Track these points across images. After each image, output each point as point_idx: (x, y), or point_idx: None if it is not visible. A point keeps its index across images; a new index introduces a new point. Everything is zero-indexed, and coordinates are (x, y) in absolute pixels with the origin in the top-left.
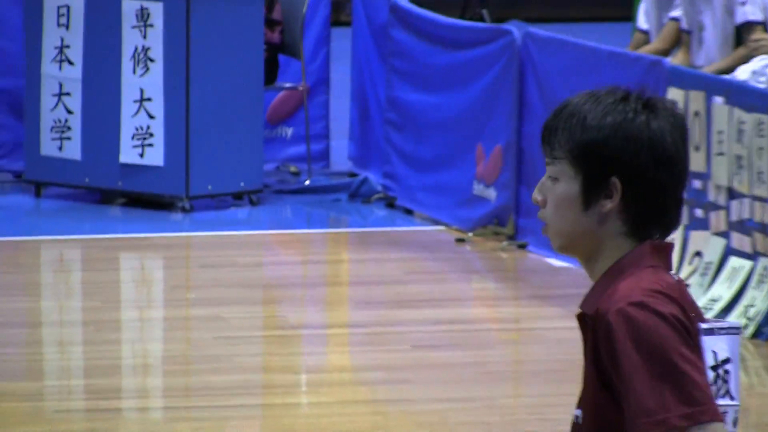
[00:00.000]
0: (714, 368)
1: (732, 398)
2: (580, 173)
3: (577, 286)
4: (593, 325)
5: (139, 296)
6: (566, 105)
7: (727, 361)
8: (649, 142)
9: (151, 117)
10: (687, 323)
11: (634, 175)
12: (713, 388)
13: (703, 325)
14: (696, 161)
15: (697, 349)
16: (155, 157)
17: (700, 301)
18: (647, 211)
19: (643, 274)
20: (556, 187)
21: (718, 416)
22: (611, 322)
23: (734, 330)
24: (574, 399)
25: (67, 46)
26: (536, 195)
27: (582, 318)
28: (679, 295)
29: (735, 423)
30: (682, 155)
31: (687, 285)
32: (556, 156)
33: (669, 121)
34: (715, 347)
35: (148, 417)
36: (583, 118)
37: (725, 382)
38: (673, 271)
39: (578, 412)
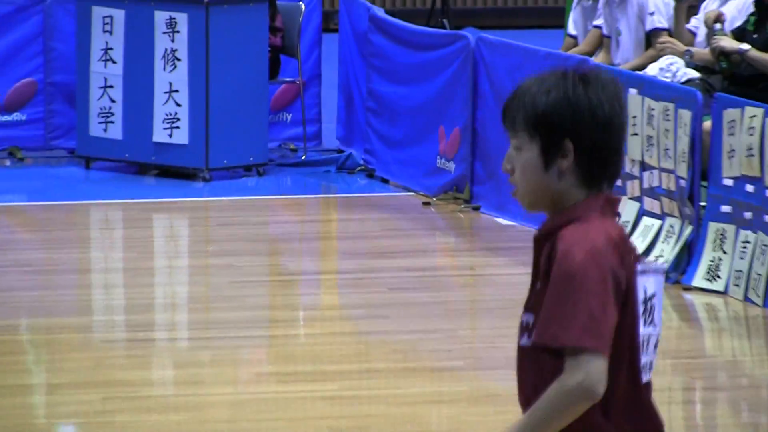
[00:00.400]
0: (644, 302)
1: (655, 326)
2: (537, 140)
3: (521, 240)
4: (544, 243)
5: (168, 248)
6: (519, 87)
7: (654, 295)
8: (588, 108)
9: (177, 105)
10: (618, 271)
11: (581, 137)
12: (643, 318)
13: (639, 267)
14: None
15: (618, 295)
16: (181, 137)
17: None
18: (595, 165)
19: (592, 220)
20: (520, 155)
21: (604, 351)
22: (571, 256)
23: (660, 271)
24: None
25: (111, 49)
26: (506, 165)
27: (537, 239)
28: (621, 240)
29: (656, 346)
30: (619, 118)
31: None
32: (516, 129)
33: (605, 91)
34: (646, 284)
35: (175, 346)
36: (533, 96)
37: (651, 313)
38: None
39: (528, 317)
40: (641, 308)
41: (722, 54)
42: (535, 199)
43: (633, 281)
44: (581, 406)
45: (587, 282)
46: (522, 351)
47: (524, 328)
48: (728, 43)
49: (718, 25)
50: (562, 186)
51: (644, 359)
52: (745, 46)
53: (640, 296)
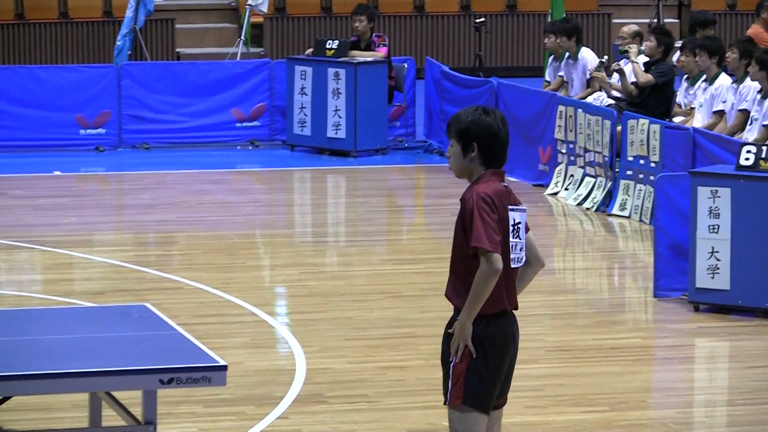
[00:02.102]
0: (513, 225)
1: (520, 239)
2: (460, 142)
3: (518, 188)
4: (464, 201)
5: (334, 192)
6: (455, 114)
7: (519, 222)
8: (487, 127)
9: (339, 117)
10: (497, 204)
11: (482, 141)
12: (513, 233)
13: (510, 207)
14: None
15: (500, 218)
16: (341, 133)
17: (572, 198)
18: (490, 156)
19: (487, 182)
20: (452, 150)
21: (497, 250)
22: (471, 198)
23: (522, 210)
24: None
25: (304, 88)
26: (447, 154)
27: (462, 198)
28: (500, 192)
29: (521, 249)
30: (504, 133)
31: (509, 190)
32: (451, 136)
33: (496, 118)
34: (514, 216)
35: (337, 243)
36: (459, 119)
37: (518, 231)
38: (504, 183)
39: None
40: (511, 228)
41: (615, 70)
42: (459, 173)
43: (506, 214)
44: (492, 279)
45: (480, 213)
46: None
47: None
48: (617, 65)
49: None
50: (473, 167)
51: (512, 255)
52: (627, 63)
53: (511, 222)
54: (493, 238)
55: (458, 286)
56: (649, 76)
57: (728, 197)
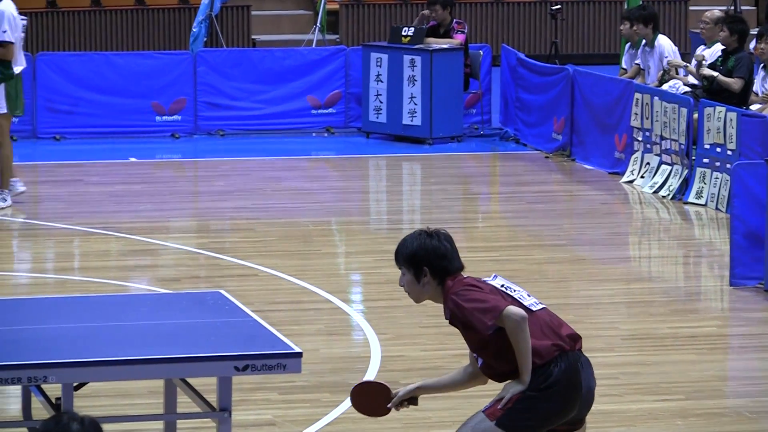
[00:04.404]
0: (501, 287)
1: (517, 290)
2: (411, 270)
3: (595, 176)
4: (452, 315)
5: (409, 179)
6: (402, 241)
7: (503, 284)
8: (433, 249)
9: (415, 104)
10: (477, 284)
11: (431, 263)
12: (508, 292)
13: (492, 279)
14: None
15: (492, 291)
16: (417, 121)
17: (648, 186)
18: (441, 274)
19: (454, 284)
20: (405, 278)
21: (504, 306)
22: (454, 307)
23: (495, 276)
24: None
25: (379, 75)
26: (400, 283)
27: (450, 320)
28: (475, 280)
29: (529, 295)
30: (449, 250)
31: (479, 278)
32: (401, 265)
33: (442, 238)
34: (495, 283)
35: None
36: (405, 245)
37: (511, 288)
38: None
39: (479, 360)
40: (504, 290)
41: (704, 77)
42: (417, 299)
43: (489, 284)
44: (524, 326)
45: (469, 302)
46: (482, 365)
47: (476, 359)
48: (707, 71)
49: (703, 62)
50: (429, 289)
51: (526, 304)
52: (716, 73)
53: (498, 287)
54: (497, 301)
55: (494, 362)
56: (738, 81)
57: None
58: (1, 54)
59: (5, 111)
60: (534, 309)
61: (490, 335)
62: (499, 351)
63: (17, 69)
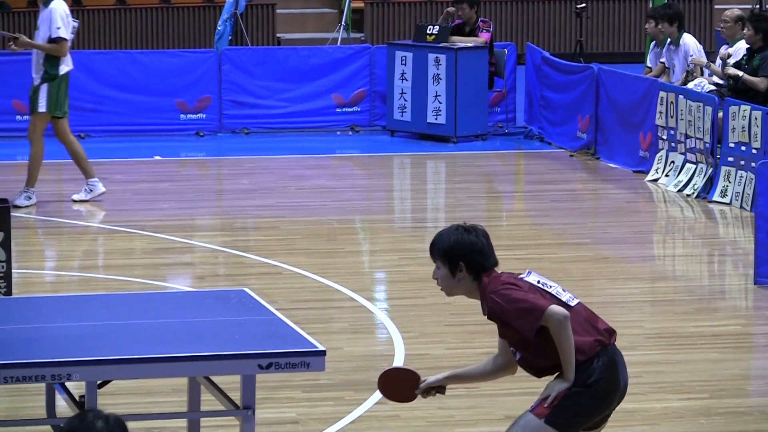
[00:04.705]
0: (538, 283)
1: (553, 285)
2: (446, 264)
3: (620, 175)
4: (491, 312)
5: (434, 178)
6: (436, 236)
7: (539, 280)
8: (470, 245)
9: (439, 102)
10: (515, 282)
11: (468, 259)
12: (545, 288)
13: (525, 274)
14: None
15: (531, 289)
16: (441, 119)
17: (672, 184)
18: (477, 270)
19: (490, 281)
20: (439, 271)
21: (545, 305)
22: (493, 304)
23: (529, 273)
24: None
25: (404, 74)
26: (434, 276)
27: (489, 316)
28: (511, 276)
29: (565, 291)
30: (486, 246)
31: (515, 274)
32: (436, 258)
33: (479, 235)
34: (531, 280)
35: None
36: (441, 241)
37: (547, 285)
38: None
39: (517, 354)
40: (541, 286)
41: (729, 76)
42: (451, 293)
43: (526, 281)
44: (566, 325)
45: (511, 301)
46: (521, 360)
47: (514, 353)
48: (732, 70)
49: (728, 60)
50: (464, 284)
51: (563, 299)
52: (741, 72)
53: (535, 283)
54: (538, 299)
55: (534, 358)
56: (764, 80)
57: None
58: (54, 50)
59: (44, 110)
60: (571, 304)
61: (532, 336)
62: (540, 348)
63: (64, 69)
